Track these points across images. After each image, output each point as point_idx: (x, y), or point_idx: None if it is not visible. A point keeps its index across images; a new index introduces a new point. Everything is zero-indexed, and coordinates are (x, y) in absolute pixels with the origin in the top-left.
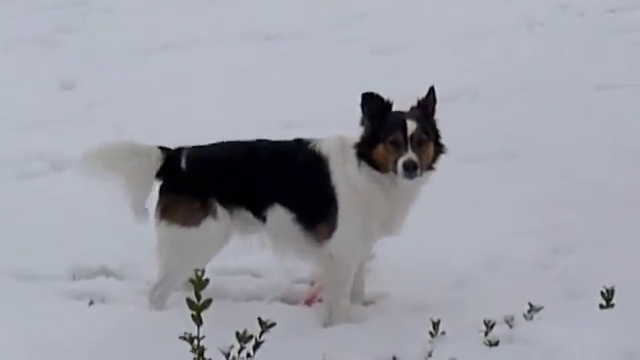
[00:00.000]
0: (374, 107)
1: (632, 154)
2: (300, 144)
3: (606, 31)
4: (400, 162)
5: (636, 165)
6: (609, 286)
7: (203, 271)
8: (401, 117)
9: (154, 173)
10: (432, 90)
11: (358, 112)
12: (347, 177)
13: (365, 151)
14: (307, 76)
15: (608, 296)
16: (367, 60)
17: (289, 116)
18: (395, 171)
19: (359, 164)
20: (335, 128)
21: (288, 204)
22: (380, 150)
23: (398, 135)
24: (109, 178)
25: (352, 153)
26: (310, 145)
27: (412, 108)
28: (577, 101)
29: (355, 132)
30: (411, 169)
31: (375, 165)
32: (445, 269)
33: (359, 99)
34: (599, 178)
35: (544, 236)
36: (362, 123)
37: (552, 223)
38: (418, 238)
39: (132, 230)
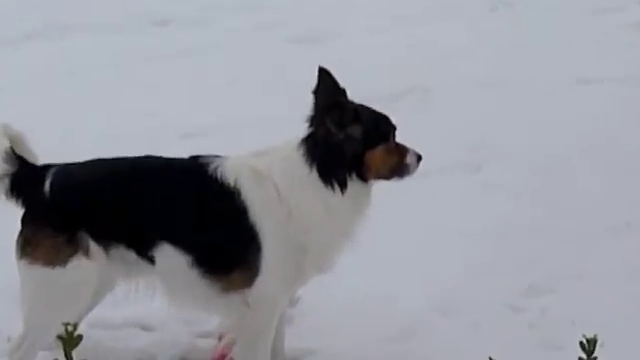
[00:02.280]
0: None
1: (619, 164)
2: (197, 165)
3: (587, 11)
4: (414, 155)
5: (625, 177)
6: (592, 334)
7: (75, 325)
8: (381, 114)
9: None
10: (322, 72)
11: (275, 115)
12: (273, 206)
13: (355, 160)
14: (209, 71)
15: (590, 348)
16: (286, 51)
17: (187, 123)
18: (400, 173)
19: (322, 181)
20: (247, 135)
21: (180, 244)
22: (383, 152)
23: (394, 132)
24: None
25: (282, 174)
26: (211, 168)
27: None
28: (553, 99)
29: (266, 149)
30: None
31: (366, 174)
32: (388, 316)
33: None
34: (581, 195)
35: (514, 271)
36: (328, 132)
37: (524, 254)
38: (353, 277)
39: None
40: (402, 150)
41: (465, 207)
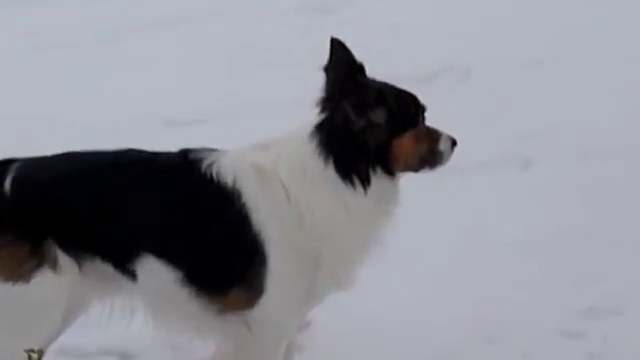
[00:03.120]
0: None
1: None
2: (187, 161)
3: None
4: (448, 140)
5: None
6: None
7: (41, 352)
8: (408, 93)
9: None
10: (335, 44)
11: (280, 99)
12: (280, 210)
13: (379, 150)
14: (201, 45)
15: None
16: (292, 21)
17: (175, 107)
18: (432, 163)
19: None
20: (248, 123)
21: (167, 257)
22: (412, 139)
23: (424, 114)
24: None
25: (290, 171)
26: (204, 165)
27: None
28: (618, 80)
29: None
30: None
31: (393, 166)
32: (420, 342)
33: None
34: None
35: (571, 288)
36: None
37: (583, 268)
38: (376, 295)
39: None
40: (434, 135)
41: (512, 211)
